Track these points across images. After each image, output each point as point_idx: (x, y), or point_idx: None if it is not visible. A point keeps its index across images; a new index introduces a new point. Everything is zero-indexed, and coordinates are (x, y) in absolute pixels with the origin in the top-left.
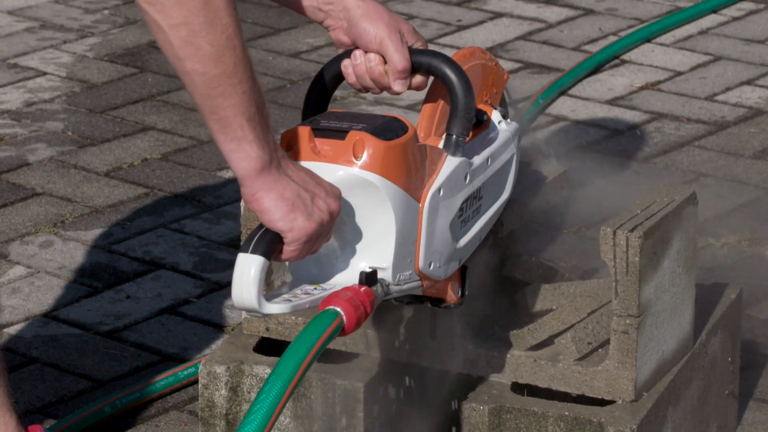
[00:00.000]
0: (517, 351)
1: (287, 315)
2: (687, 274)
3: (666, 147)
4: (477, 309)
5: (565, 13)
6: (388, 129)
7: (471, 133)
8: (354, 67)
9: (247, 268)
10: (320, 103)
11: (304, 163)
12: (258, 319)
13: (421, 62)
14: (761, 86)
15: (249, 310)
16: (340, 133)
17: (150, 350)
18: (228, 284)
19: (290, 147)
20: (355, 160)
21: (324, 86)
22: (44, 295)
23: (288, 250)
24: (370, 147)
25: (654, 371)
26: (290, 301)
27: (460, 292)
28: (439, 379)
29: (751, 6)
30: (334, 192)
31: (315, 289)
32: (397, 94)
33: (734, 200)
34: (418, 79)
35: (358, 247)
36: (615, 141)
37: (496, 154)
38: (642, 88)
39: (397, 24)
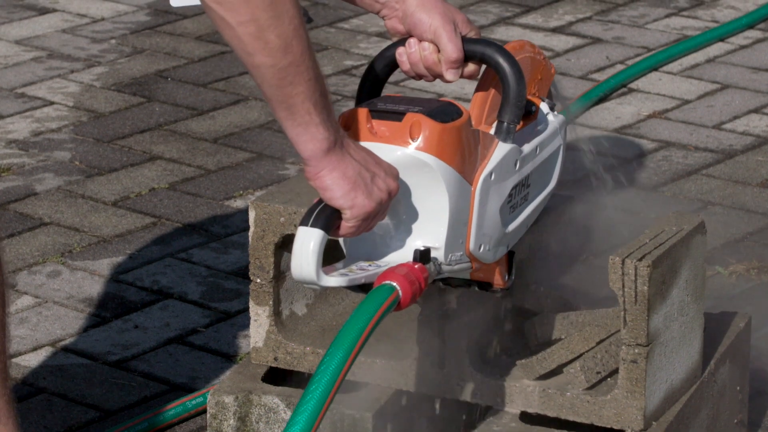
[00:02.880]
0: (525, 380)
1: (298, 346)
2: (695, 303)
3: (674, 175)
4: (486, 338)
5: (573, 41)
6: (443, 112)
7: (521, 123)
8: (408, 55)
9: (307, 241)
10: (373, 90)
11: (362, 144)
12: (266, 349)
13: (474, 51)
14: None
15: (307, 283)
16: (397, 115)
17: (158, 380)
18: (236, 313)
19: (348, 128)
20: (411, 141)
21: (377, 74)
22: (52, 325)
23: (346, 226)
24: (426, 129)
25: (663, 400)
26: (346, 275)
27: (507, 277)
28: (448, 409)
29: (758, 34)
30: (392, 172)
31: (370, 265)
32: (450, 82)
33: (742, 228)
34: (470, 67)
35: (413, 226)
36: (623, 169)
37: (544, 143)
38: (649, 117)
39: (451, 14)
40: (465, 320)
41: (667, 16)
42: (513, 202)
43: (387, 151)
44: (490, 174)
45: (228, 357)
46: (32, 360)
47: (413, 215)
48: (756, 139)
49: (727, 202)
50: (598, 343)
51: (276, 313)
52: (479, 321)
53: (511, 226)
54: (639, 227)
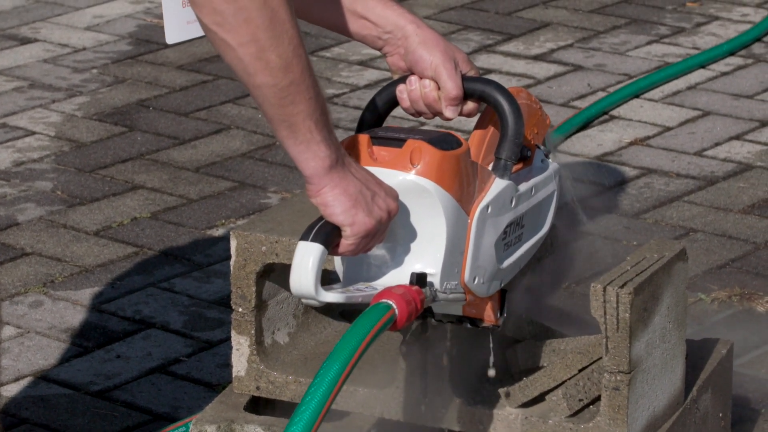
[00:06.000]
0: (508, 408)
1: (280, 375)
2: (677, 330)
3: (655, 202)
4: (468, 366)
5: (554, 69)
6: (444, 141)
7: (518, 165)
8: (409, 92)
9: (307, 256)
10: (373, 127)
11: None
12: (248, 378)
13: (473, 89)
14: (750, 141)
15: (306, 297)
16: (397, 142)
17: (140, 410)
18: (218, 343)
19: (348, 153)
20: (411, 167)
21: (377, 111)
22: (34, 355)
23: (345, 244)
24: (426, 155)
25: (645, 428)
26: (344, 293)
27: (499, 314)
28: None
29: (739, 61)
30: (392, 193)
31: (366, 287)
32: (449, 119)
33: (724, 255)
34: (469, 105)
35: (410, 251)
36: (604, 196)
37: (539, 186)
38: (631, 144)
39: (452, 52)
40: (447, 348)
41: (649, 43)
42: (507, 240)
43: (387, 176)
44: (487, 206)
45: (210, 386)
46: (14, 390)
47: (411, 240)
48: (737, 165)
49: (709, 228)
50: (580, 371)
51: (258, 342)
52: (462, 349)
53: (505, 263)
54: (621, 254)
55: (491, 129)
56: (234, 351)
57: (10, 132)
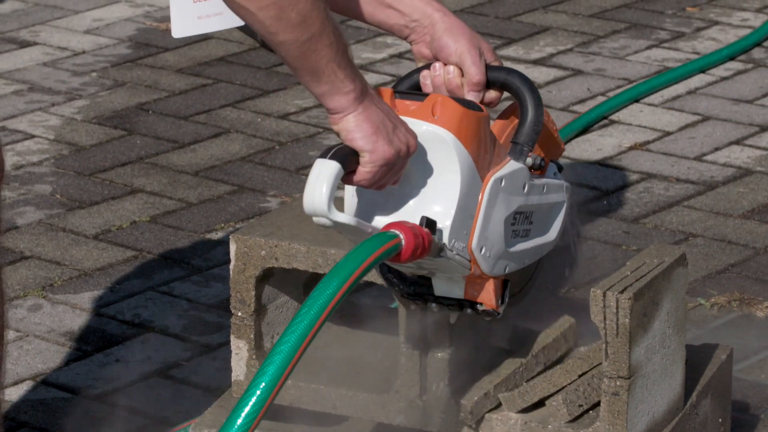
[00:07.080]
0: (508, 413)
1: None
2: (677, 335)
3: (655, 207)
4: (467, 370)
5: (554, 73)
6: (466, 102)
7: (532, 170)
8: (433, 78)
9: (323, 172)
10: None
11: None
12: (247, 382)
13: (496, 77)
14: (750, 146)
15: (318, 215)
16: (420, 96)
17: (139, 414)
18: (217, 347)
19: None
20: (432, 117)
21: None
22: (33, 358)
23: (362, 171)
24: (448, 108)
25: None
26: (355, 218)
27: (500, 301)
28: None
29: (739, 66)
30: (412, 132)
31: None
32: None
33: (724, 260)
34: (491, 94)
35: (422, 200)
36: (604, 201)
37: (551, 188)
38: (631, 148)
39: (477, 41)
40: (447, 353)
41: (648, 47)
42: (516, 228)
43: (408, 124)
44: (501, 179)
45: (209, 390)
46: (13, 394)
47: (425, 189)
48: (737, 170)
49: (709, 233)
50: (580, 376)
51: (257, 347)
52: (461, 353)
53: (512, 249)
54: (620, 259)
55: (513, 122)
56: (233, 355)
57: (10, 135)
